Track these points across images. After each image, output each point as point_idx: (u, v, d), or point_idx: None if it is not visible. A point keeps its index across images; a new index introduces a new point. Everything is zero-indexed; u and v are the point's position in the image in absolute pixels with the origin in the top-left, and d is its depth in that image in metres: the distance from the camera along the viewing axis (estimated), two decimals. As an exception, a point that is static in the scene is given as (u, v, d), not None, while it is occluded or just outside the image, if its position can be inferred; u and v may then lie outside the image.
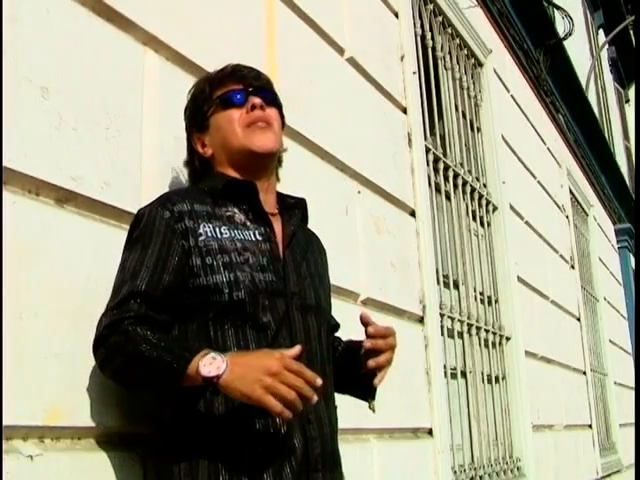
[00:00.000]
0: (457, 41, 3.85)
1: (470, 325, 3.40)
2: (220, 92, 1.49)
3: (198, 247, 1.34)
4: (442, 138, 3.58)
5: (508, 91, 4.65)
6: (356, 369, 1.47)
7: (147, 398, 1.36)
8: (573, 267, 5.81)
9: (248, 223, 1.42)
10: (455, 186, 3.54)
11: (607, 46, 10.10)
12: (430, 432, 2.74)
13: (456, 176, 3.55)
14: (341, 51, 2.58)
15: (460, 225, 3.55)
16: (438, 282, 3.07)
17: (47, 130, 1.37)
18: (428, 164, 3.18)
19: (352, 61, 2.63)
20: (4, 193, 1.27)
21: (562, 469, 4.41)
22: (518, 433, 3.73)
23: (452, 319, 3.22)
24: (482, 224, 3.89)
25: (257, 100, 1.47)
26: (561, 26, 6.11)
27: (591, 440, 5.42)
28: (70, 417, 1.33)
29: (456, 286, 3.41)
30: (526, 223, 4.59)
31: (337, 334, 1.66)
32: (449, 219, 3.48)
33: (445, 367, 2.98)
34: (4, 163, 1.27)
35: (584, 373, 5.56)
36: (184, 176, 1.65)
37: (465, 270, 3.51)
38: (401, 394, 2.47)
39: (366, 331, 1.39)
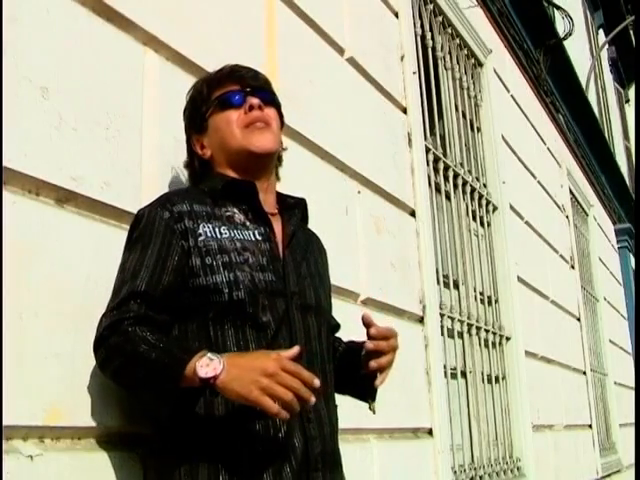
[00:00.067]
0: (457, 41, 3.85)
1: (470, 325, 3.40)
2: (218, 93, 1.49)
3: (198, 247, 1.35)
4: (442, 138, 3.58)
5: (508, 91, 4.65)
6: (357, 370, 1.47)
7: (146, 398, 1.36)
8: (573, 267, 5.81)
9: (248, 223, 1.42)
10: (455, 186, 3.54)
11: (607, 46, 10.10)
12: (430, 432, 2.74)
13: (456, 176, 3.55)
14: (341, 51, 2.58)
15: (460, 225, 3.55)
16: (438, 282, 3.07)
17: (47, 130, 1.37)
18: (428, 164, 3.18)
19: (352, 61, 2.63)
20: (4, 193, 1.27)
21: (562, 469, 4.41)
22: (518, 433, 3.73)
23: (452, 319, 3.22)
24: (482, 224, 3.89)
25: (255, 100, 1.47)
26: (561, 26, 6.11)
27: (591, 440, 5.42)
28: (70, 417, 1.33)
29: (456, 286, 3.41)
30: (526, 223, 4.59)
31: (337, 334, 1.66)
32: (449, 219, 3.48)
33: (445, 367, 2.98)
34: (4, 163, 1.27)
35: (584, 373, 5.56)
36: (184, 176, 1.65)
37: (465, 270, 3.51)
38: (401, 394, 2.47)
39: (368, 332, 1.39)
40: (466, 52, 3.98)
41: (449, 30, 3.75)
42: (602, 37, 10.13)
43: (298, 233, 1.51)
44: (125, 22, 1.61)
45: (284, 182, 1.61)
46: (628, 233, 8.72)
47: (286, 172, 1.62)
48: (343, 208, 2.42)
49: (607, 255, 7.80)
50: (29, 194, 1.34)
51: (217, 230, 1.38)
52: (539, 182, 5.13)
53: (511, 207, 4.21)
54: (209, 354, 1.19)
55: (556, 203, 5.61)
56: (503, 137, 4.26)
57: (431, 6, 3.52)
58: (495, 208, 4.00)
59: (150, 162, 1.61)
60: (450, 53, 3.76)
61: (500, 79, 4.47)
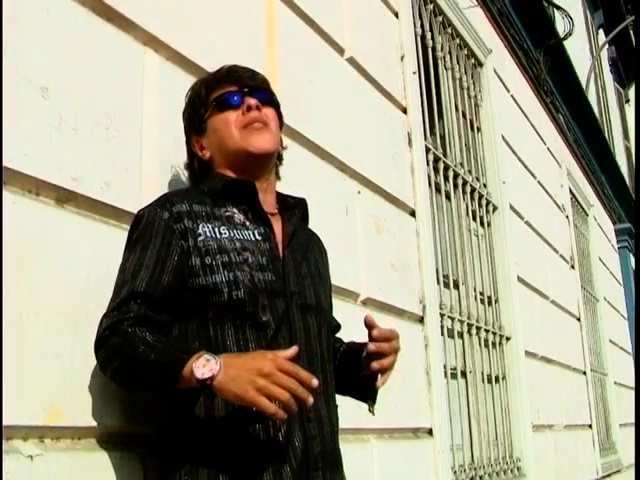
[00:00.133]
0: (457, 41, 3.85)
1: (470, 325, 3.40)
2: (216, 94, 1.49)
3: (197, 247, 1.35)
4: (442, 138, 3.58)
5: (508, 91, 4.65)
6: (357, 371, 1.47)
7: (146, 399, 1.36)
8: (573, 267, 5.81)
9: (247, 223, 1.42)
10: (455, 186, 3.54)
11: (607, 46, 10.10)
12: (430, 432, 2.74)
13: (456, 176, 3.55)
14: (341, 51, 2.58)
15: (460, 225, 3.55)
16: (438, 282, 3.07)
17: (47, 130, 1.37)
18: (428, 164, 3.18)
19: (352, 61, 2.63)
20: (4, 193, 1.27)
21: (562, 469, 4.41)
22: (518, 433, 3.73)
23: (452, 319, 3.22)
24: (482, 224, 3.89)
25: (253, 101, 1.46)
26: (561, 26, 6.11)
27: (591, 440, 5.42)
28: (70, 417, 1.33)
29: (456, 286, 3.41)
30: (526, 223, 4.59)
31: (338, 335, 1.66)
32: (449, 219, 3.48)
33: (445, 367, 2.98)
34: (4, 163, 1.27)
35: (584, 373, 5.56)
36: (184, 176, 1.65)
37: (465, 270, 3.51)
38: (401, 394, 2.47)
39: (370, 334, 1.39)
40: (466, 52, 3.98)
41: (449, 30, 3.75)
42: (602, 37, 10.13)
43: (298, 233, 1.51)
44: (125, 22, 1.61)
45: (284, 182, 1.61)
46: (628, 233, 8.71)
47: (286, 172, 1.62)
48: (343, 208, 2.42)
49: (607, 255, 7.80)
50: (29, 194, 1.34)
51: (217, 230, 1.38)
52: (539, 182, 5.13)
53: (511, 207, 4.21)
54: (206, 355, 1.19)
55: (556, 203, 5.61)
56: (503, 137, 4.26)
57: (431, 6, 3.52)
58: (495, 208, 4.00)
59: (150, 162, 1.61)
60: (450, 53, 3.76)
61: (500, 79, 4.47)
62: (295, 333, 1.37)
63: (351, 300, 2.34)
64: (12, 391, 1.22)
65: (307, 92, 2.30)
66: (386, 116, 2.85)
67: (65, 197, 1.41)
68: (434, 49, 3.52)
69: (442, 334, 3.00)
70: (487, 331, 3.60)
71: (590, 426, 5.47)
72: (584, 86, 7.23)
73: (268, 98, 1.51)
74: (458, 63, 3.85)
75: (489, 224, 3.95)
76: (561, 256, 5.47)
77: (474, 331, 3.44)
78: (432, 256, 2.96)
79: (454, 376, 3.23)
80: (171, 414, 1.32)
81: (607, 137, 8.75)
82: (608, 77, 10.89)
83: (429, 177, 3.16)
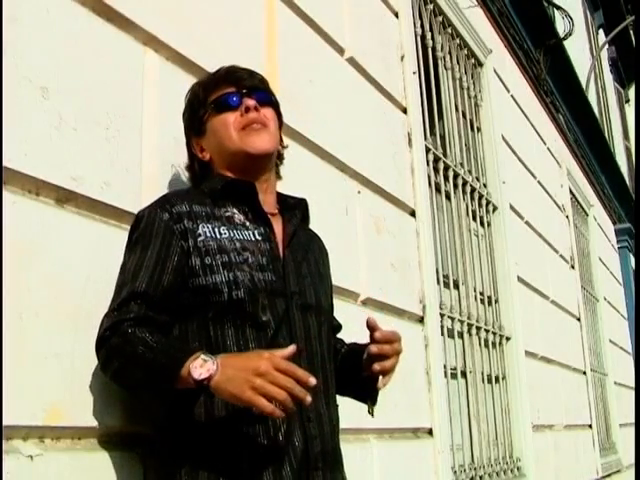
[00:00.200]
0: (457, 41, 3.85)
1: (470, 325, 3.40)
2: (214, 96, 1.49)
3: (197, 247, 1.35)
4: (442, 138, 3.58)
5: (508, 91, 4.65)
6: (358, 372, 1.47)
7: (146, 399, 1.37)
8: (573, 267, 5.81)
9: (247, 223, 1.43)
10: (455, 186, 3.54)
11: (607, 46, 10.10)
12: (430, 432, 2.74)
13: (456, 176, 3.55)
14: (341, 51, 2.58)
15: (460, 225, 3.55)
16: (438, 282, 3.07)
17: (47, 130, 1.37)
18: (428, 164, 3.18)
19: (352, 61, 2.63)
20: (4, 193, 1.27)
21: (562, 469, 4.41)
22: (518, 433, 3.73)
23: (452, 319, 3.22)
24: (482, 224, 3.89)
25: (251, 102, 1.46)
26: (561, 26, 6.11)
27: (591, 440, 5.42)
28: (70, 417, 1.33)
29: (456, 286, 3.41)
30: (526, 223, 4.59)
31: (339, 334, 1.66)
32: (449, 219, 3.48)
33: (445, 367, 2.98)
34: (4, 163, 1.27)
35: (584, 373, 5.56)
36: (184, 176, 1.65)
37: (465, 270, 3.51)
38: (401, 394, 2.47)
39: (372, 336, 1.39)
40: (466, 52, 3.98)
41: (449, 30, 3.75)
42: (602, 37, 10.13)
43: (299, 233, 1.51)
44: (125, 22, 1.61)
45: (284, 182, 1.61)
46: (628, 233, 8.71)
47: (286, 172, 1.62)
48: (343, 208, 2.42)
49: (607, 255, 7.80)
50: (29, 194, 1.34)
51: (216, 230, 1.38)
52: (539, 182, 5.13)
53: (511, 207, 4.21)
54: (203, 355, 1.19)
55: (556, 203, 5.61)
56: (503, 137, 4.26)
57: (431, 6, 3.52)
58: (495, 208, 4.00)
59: (150, 162, 1.61)
60: (450, 53, 3.76)
61: (500, 79, 4.47)
62: (295, 333, 1.37)
63: (351, 300, 2.34)
64: (12, 391, 1.22)
65: (307, 92, 2.30)
66: (386, 116, 2.85)
67: (65, 197, 1.41)
68: (434, 49, 3.52)
69: (442, 334, 3.00)
70: (487, 331, 3.60)
71: (590, 426, 5.47)
72: (584, 86, 7.23)
73: (267, 98, 1.51)
74: (458, 63, 3.85)
75: (489, 224, 3.95)
76: (561, 256, 5.47)
77: (474, 331, 3.44)
78: (432, 256, 2.96)
79: (454, 376, 3.23)
80: (170, 414, 1.33)
81: (607, 137, 8.75)
82: (608, 77, 10.89)
83: (429, 177, 3.16)
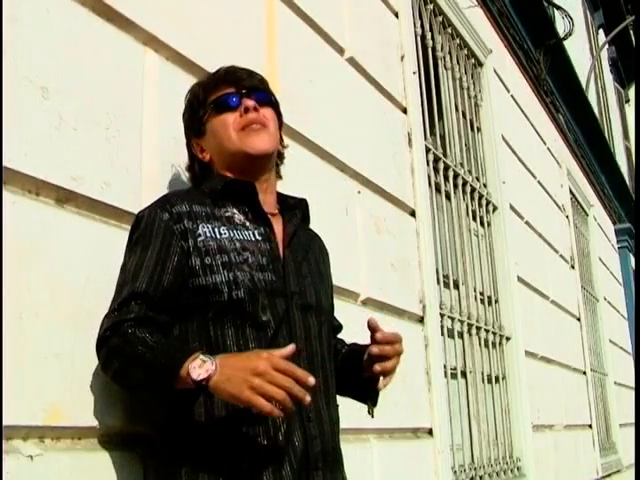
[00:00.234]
0: (457, 41, 3.85)
1: (470, 325, 3.40)
2: (214, 97, 1.49)
3: (197, 247, 1.35)
4: (442, 138, 3.58)
5: (508, 91, 4.65)
6: (359, 372, 1.47)
7: (146, 399, 1.37)
8: (573, 267, 5.81)
9: (247, 223, 1.43)
10: (455, 186, 3.54)
11: (607, 46, 10.10)
12: (430, 432, 2.74)
13: (456, 176, 3.55)
14: (341, 51, 2.58)
15: (460, 225, 3.55)
16: (438, 282, 3.07)
17: (47, 130, 1.37)
18: (428, 164, 3.18)
19: (352, 61, 2.63)
20: (4, 193, 1.27)
21: (562, 469, 4.41)
22: (518, 433, 3.73)
23: (452, 319, 3.22)
24: (482, 224, 3.89)
25: (250, 102, 1.46)
26: (561, 26, 6.11)
27: (591, 440, 5.42)
28: (70, 417, 1.33)
29: (456, 286, 3.41)
30: (526, 223, 4.59)
31: (339, 335, 1.66)
32: (449, 219, 3.48)
33: (445, 367, 2.98)
34: (4, 163, 1.27)
35: (584, 373, 5.56)
36: (184, 176, 1.65)
37: (465, 270, 3.51)
38: (401, 394, 2.47)
39: (374, 337, 1.39)
40: (466, 52, 3.98)
41: (449, 30, 3.75)
42: (602, 37, 10.13)
43: (299, 233, 1.51)
44: (125, 22, 1.61)
45: (284, 182, 1.61)
46: (628, 233, 8.71)
47: (286, 172, 1.62)
48: (343, 208, 2.42)
49: (607, 255, 7.80)
50: (29, 194, 1.34)
51: (216, 230, 1.38)
52: (539, 182, 5.13)
53: (511, 207, 4.21)
54: (201, 356, 1.19)
55: (556, 203, 5.61)
56: (503, 137, 4.26)
57: (431, 6, 3.52)
58: (495, 208, 4.00)
59: (150, 162, 1.61)
60: (450, 53, 3.76)
61: (500, 79, 4.47)
62: (295, 333, 1.37)
63: (351, 300, 2.34)
64: (12, 391, 1.22)
65: (307, 92, 2.30)
66: (386, 116, 2.85)
67: (65, 197, 1.41)
68: (434, 49, 3.52)
69: (442, 334, 3.00)
70: (487, 331, 3.60)
71: (590, 426, 5.47)
72: (584, 86, 7.23)
73: (266, 98, 1.51)
74: (458, 63, 3.85)
75: (489, 224, 3.95)
76: (561, 256, 5.47)
77: (474, 331, 3.44)
78: (432, 256, 2.96)
79: (454, 376, 3.23)
80: (171, 414, 1.33)
81: (607, 137, 8.75)
82: (608, 77, 10.89)
83: (429, 177, 3.16)
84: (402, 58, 3.08)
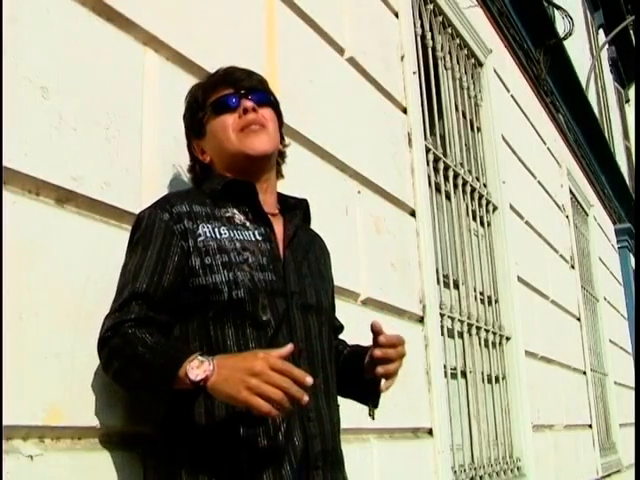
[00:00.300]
0: (457, 41, 3.85)
1: (470, 325, 3.40)
2: (213, 98, 1.49)
3: (197, 247, 1.35)
4: (442, 138, 3.58)
5: (508, 91, 4.65)
6: (361, 374, 1.47)
7: (146, 399, 1.37)
8: (573, 267, 5.81)
9: (248, 223, 1.43)
10: (455, 186, 3.54)
11: (607, 46, 10.10)
12: (430, 432, 2.74)
13: (456, 176, 3.55)
14: (341, 51, 2.58)
15: (460, 225, 3.55)
16: (438, 282, 3.07)
17: (47, 130, 1.37)
18: (428, 164, 3.18)
19: (352, 61, 2.63)
20: (4, 193, 1.27)
21: (562, 469, 4.41)
22: (518, 433, 3.73)
23: (452, 319, 3.22)
24: (482, 224, 3.89)
25: (249, 103, 1.46)
26: (561, 26, 6.11)
27: (591, 440, 5.42)
28: (70, 417, 1.33)
29: (456, 286, 3.41)
30: (526, 223, 4.59)
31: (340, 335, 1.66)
32: (449, 219, 3.48)
33: (445, 367, 2.98)
34: (4, 163, 1.27)
35: (584, 373, 5.56)
36: (184, 176, 1.66)
37: (465, 270, 3.51)
38: (401, 394, 2.47)
39: (376, 340, 1.39)
40: (466, 52, 3.98)
41: (449, 30, 3.75)
42: (602, 37, 10.13)
43: (300, 233, 1.51)
44: (125, 22, 1.61)
45: (284, 182, 1.61)
46: (628, 233, 8.71)
47: (286, 172, 1.61)
48: (343, 208, 2.42)
49: (607, 255, 7.80)
50: (29, 194, 1.34)
51: (216, 230, 1.38)
52: (539, 182, 5.13)
53: (511, 207, 4.21)
54: (199, 356, 1.19)
55: (556, 203, 5.61)
56: (503, 137, 4.26)
57: (431, 6, 3.52)
58: (495, 208, 4.00)
59: (150, 162, 1.61)
60: (450, 53, 3.76)
61: (500, 79, 4.47)
62: (295, 333, 1.37)
63: (351, 300, 2.34)
64: (12, 391, 1.22)
65: (307, 92, 2.30)
66: (386, 116, 2.85)
67: (65, 197, 1.41)
68: (434, 49, 3.52)
69: (442, 334, 3.00)
70: (487, 331, 3.60)
71: (590, 426, 5.47)
72: (584, 86, 7.23)
73: (265, 99, 1.51)
74: (458, 63, 3.85)
75: (489, 224, 3.95)
76: (561, 256, 5.47)
77: (474, 331, 3.44)
78: (432, 256, 2.96)
79: (454, 376, 3.23)
80: (170, 414, 1.33)
81: (607, 137, 8.75)
82: (608, 77, 10.89)
83: (429, 177, 3.16)
84: (402, 58, 3.08)
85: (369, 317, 2.34)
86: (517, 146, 4.59)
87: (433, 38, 3.51)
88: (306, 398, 1.16)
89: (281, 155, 1.57)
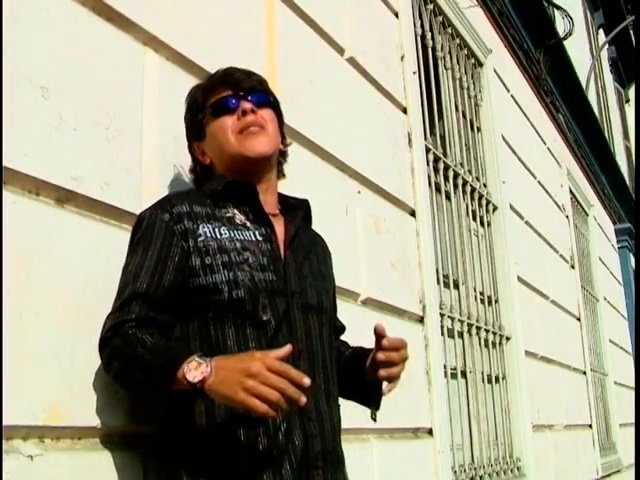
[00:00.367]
0: (457, 41, 3.85)
1: (470, 325, 3.40)
2: (212, 100, 1.48)
3: (197, 247, 1.35)
4: (442, 138, 3.58)
5: (508, 91, 4.65)
6: (362, 376, 1.47)
7: (147, 399, 1.37)
8: (573, 267, 5.81)
9: (248, 224, 1.43)
10: (455, 186, 3.54)
11: (607, 46, 10.10)
12: (430, 432, 2.74)
13: (456, 176, 3.55)
14: (341, 51, 2.58)
15: (460, 225, 3.55)
16: (438, 282, 3.07)
17: (47, 130, 1.37)
18: (428, 164, 3.18)
19: (352, 61, 2.63)
20: (4, 193, 1.27)
21: (562, 469, 4.41)
22: (518, 433, 3.73)
23: (452, 319, 3.22)
24: (482, 224, 3.89)
25: (247, 105, 1.46)
26: (561, 26, 6.11)
27: (591, 440, 5.42)
28: (70, 417, 1.33)
29: (456, 286, 3.41)
30: (526, 223, 4.59)
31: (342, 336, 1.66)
32: (449, 219, 3.48)
33: (445, 367, 2.98)
34: (4, 163, 1.27)
35: (584, 373, 5.56)
36: (184, 176, 1.66)
37: (465, 270, 3.51)
38: (401, 394, 2.47)
39: (379, 343, 1.39)
40: (466, 52, 3.98)
41: (449, 30, 3.75)
42: (602, 37, 10.13)
43: (301, 234, 1.51)
44: (125, 22, 1.61)
45: (283, 182, 1.61)
46: (628, 233, 8.71)
47: (286, 172, 1.61)
48: (343, 208, 2.42)
49: (607, 255, 7.80)
50: (29, 194, 1.34)
51: (217, 230, 1.38)
52: (539, 182, 5.13)
53: (511, 207, 4.21)
54: (197, 358, 1.19)
55: (556, 203, 5.61)
56: (503, 137, 4.26)
57: (431, 6, 3.52)
58: (495, 208, 4.00)
59: (150, 162, 1.61)
60: (450, 53, 3.76)
61: (500, 79, 4.47)
62: (296, 332, 1.37)
63: (351, 300, 2.34)
64: (12, 391, 1.22)
65: (307, 92, 2.30)
66: (386, 116, 2.85)
67: (65, 197, 1.41)
68: (434, 49, 3.52)
69: (442, 334, 3.00)
70: (487, 331, 3.60)
71: (590, 426, 5.47)
72: (584, 86, 7.23)
73: (264, 99, 1.51)
74: (458, 63, 3.85)
75: (489, 224, 3.95)
76: (561, 256, 5.47)
77: (474, 331, 3.44)
78: (432, 256, 2.96)
79: (454, 376, 3.23)
80: (170, 414, 1.33)
81: (607, 137, 8.75)
82: (608, 77, 10.89)
83: (429, 177, 3.16)
84: (402, 58, 3.08)
85: (369, 317, 2.35)
86: (517, 146, 4.59)
87: (433, 38, 3.51)
88: (304, 399, 1.16)
89: (283, 155, 1.57)
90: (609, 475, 5.85)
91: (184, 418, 1.30)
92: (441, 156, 3.40)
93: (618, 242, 8.65)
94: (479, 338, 3.49)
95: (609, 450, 6.19)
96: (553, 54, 5.75)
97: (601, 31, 10.31)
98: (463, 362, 3.32)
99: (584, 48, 8.89)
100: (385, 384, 1.44)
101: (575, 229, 6.13)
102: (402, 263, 2.74)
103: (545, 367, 4.47)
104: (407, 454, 2.56)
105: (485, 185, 3.96)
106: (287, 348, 1.20)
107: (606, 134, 8.78)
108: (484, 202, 3.88)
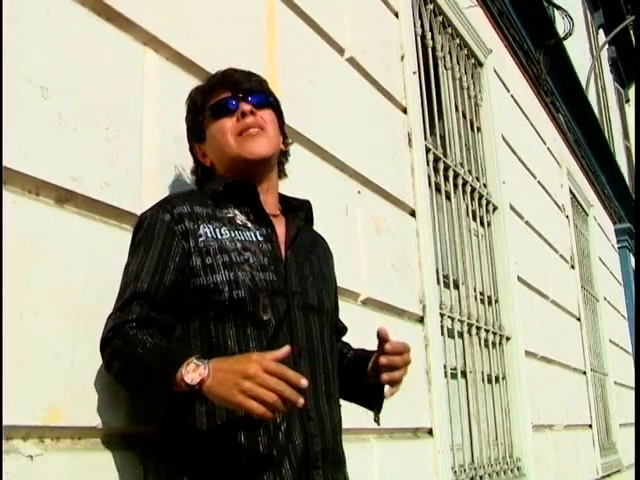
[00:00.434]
0: (457, 41, 3.85)
1: (470, 325, 3.40)
2: (211, 102, 1.49)
3: (198, 248, 1.35)
4: (442, 138, 3.58)
5: (508, 91, 4.65)
6: (364, 378, 1.47)
7: (147, 399, 1.37)
8: (573, 267, 5.81)
9: (249, 224, 1.43)
10: (455, 186, 3.54)
11: (607, 46, 10.10)
12: (430, 432, 2.74)
13: (456, 176, 3.55)
14: (341, 51, 2.58)
15: (460, 225, 3.55)
16: (438, 282, 3.07)
17: (47, 130, 1.37)
18: (428, 164, 3.18)
19: (352, 61, 2.63)
20: (4, 193, 1.27)
21: (562, 469, 4.41)
22: (518, 433, 3.73)
23: (452, 319, 3.22)
24: (482, 224, 3.89)
25: (247, 107, 1.46)
26: (561, 26, 6.11)
27: (591, 440, 5.42)
28: (70, 417, 1.33)
29: (456, 286, 3.41)
30: (526, 223, 4.59)
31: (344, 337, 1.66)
32: (449, 219, 3.48)
33: (445, 367, 2.98)
34: (4, 163, 1.27)
35: (584, 373, 5.56)
36: (184, 176, 1.66)
37: (465, 270, 3.51)
38: (401, 394, 2.46)
39: (382, 347, 1.39)
40: (466, 52, 3.98)
41: (449, 30, 3.75)
42: (602, 37, 10.13)
43: (302, 234, 1.51)
44: (125, 22, 1.61)
45: (283, 182, 1.61)
46: (628, 233, 8.72)
47: (286, 172, 1.61)
48: (343, 208, 2.42)
49: (607, 255, 7.80)
50: (29, 194, 1.34)
51: (217, 231, 1.38)
52: (539, 182, 5.13)
53: (511, 207, 4.21)
54: (195, 360, 1.19)
55: (556, 203, 5.61)
56: (503, 137, 4.26)
57: (431, 6, 3.52)
58: (495, 208, 4.00)
59: (150, 162, 1.61)
60: (450, 53, 3.76)
61: (500, 79, 4.47)
62: (296, 333, 1.37)
63: (351, 300, 2.34)
64: (12, 391, 1.22)
65: (307, 92, 2.30)
66: (386, 116, 2.85)
67: (65, 197, 1.41)
68: (434, 49, 3.52)
69: (442, 334, 3.00)
70: (487, 331, 3.60)
71: (590, 426, 5.47)
72: (584, 86, 7.23)
73: (264, 100, 1.50)
74: (458, 63, 3.85)
75: (489, 224, 3.95)
76: (561, 256, 5.47)
77: (474, 331, 3.44)
78: (432, 256, 2.96)
79: (454, 376, 3.23)
80: (171, 415, 1.33)
81: (607, 137, 8.75)
82: (608, 77, 10.89)
83: (429, 177, 3.16)
84: (402, 58, 3.08)
85: (369, 317, 2.35)
86: (517, 146, 4.59)
87: (433, 38, 3.51)
88: (301, 401, 1.16)
89: (284, 154, 1.57)
90: (609, 475, 5.85)
91: (184, 418, 1.30)
92: (441, 156, 3.40)
93: (618, 242, 8.65)
94: (479, 338, 3.49)
95: (609, 450, 6.19)
96: (553, 54, 5.75)
97: (601, 31, 10.31)
98: (463, 362, 3.32)
99: (584, 48, 8.89)
100: (387, 387, 1.44)
101: (575, 229, 6.13)
102: (402, 263, 2.74)
103: (545, 367, 4.47)
104: (407, 454, 2.56)
105: (485, 185, 3.96)
106: (285, 349, 1.20)
107: (606, 134, 8.78)
108: (484, 202, 3.88)
